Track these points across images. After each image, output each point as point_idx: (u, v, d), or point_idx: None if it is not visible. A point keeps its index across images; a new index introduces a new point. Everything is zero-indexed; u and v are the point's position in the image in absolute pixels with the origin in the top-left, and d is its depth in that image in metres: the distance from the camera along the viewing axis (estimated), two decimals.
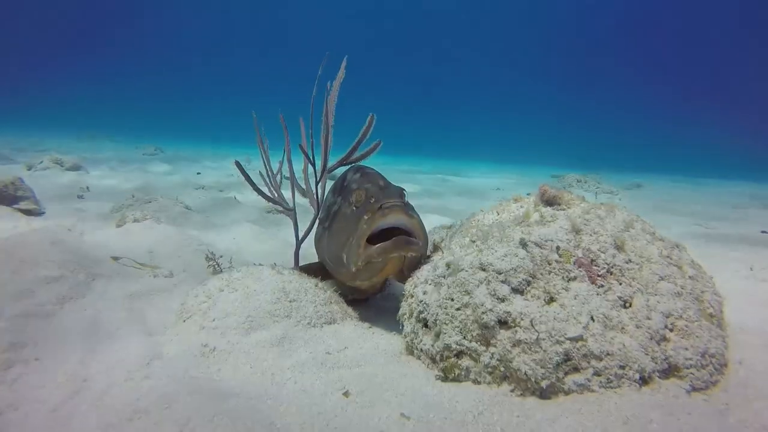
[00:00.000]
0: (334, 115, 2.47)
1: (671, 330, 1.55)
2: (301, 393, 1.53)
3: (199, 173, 9.74)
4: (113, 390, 1.49)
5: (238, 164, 2.42)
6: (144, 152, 13.43)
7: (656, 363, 1.47)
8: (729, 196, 10.70)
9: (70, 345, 1.93)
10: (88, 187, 6.79)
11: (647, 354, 1.47)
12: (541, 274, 1.62)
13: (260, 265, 2.53)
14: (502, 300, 1.57)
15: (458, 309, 1.63)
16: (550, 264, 1.64)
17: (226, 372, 1.73)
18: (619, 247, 1.72)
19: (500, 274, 1.62)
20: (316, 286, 2.31)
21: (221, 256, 3.31)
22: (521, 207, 2.16)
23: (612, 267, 1.66)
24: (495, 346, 1.53)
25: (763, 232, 5.91)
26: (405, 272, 2.21)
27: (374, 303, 2.82)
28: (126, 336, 2.00)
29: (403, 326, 1.94)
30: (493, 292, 1.59)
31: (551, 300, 1.56)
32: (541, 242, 1.70)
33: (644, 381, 1.45)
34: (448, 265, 1.79)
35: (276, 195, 2.67)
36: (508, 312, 1.54)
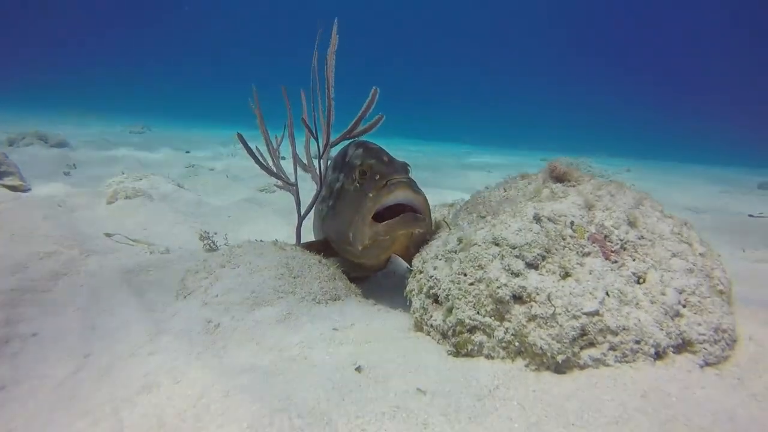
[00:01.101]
0: (333, 87, 2.40)
1: (684, 306, 1.55)
2: (313, 368, 1.50)
3: (188, 152, 9.56)
4: (118, 365, 1.45)
5: (240, 137, 2.34)
6: (132, 130, 13.13)
7: (671, 338, 1.46)
8: (715, 181, 10.84)
9: (67, 321, 1.88)
10: (75, 164, 6.62)
11: (662, 329, 1.46)
12: (556, 249, 1.59)
13: (261, 241, 2.48)
14: (517, 275, 1.55)
15: (471, 284, 1.61)
16: (564, 239, 1.62)
17: (231, 348, 1.69)
18: (632, 224, 1.71)
19: (514, 248, 1.60)
20: (319, 262, 2.28)
21: (216, 233, 3.24)
22: (529, 184, 2.13)
23: (625, 243, 1.64)
24: (510, 321, 1.51)
25: (750, 215, 6.01)
26: (411, 249, 2.18)
27: (375, 280, 2.80)
28: (126, 312, 1.95)
29: (410, 302, 1.91)
30: (507, 267, 1.57)
31: (566, 275, 1.54)
32: (554, 217, 1.68)
33: (659, 356, 1.44)
34: (459, 240, 1.76)
35: (277, 170, 2.60)
36: (523, 287, 1.52)
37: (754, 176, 12.38)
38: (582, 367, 1.44)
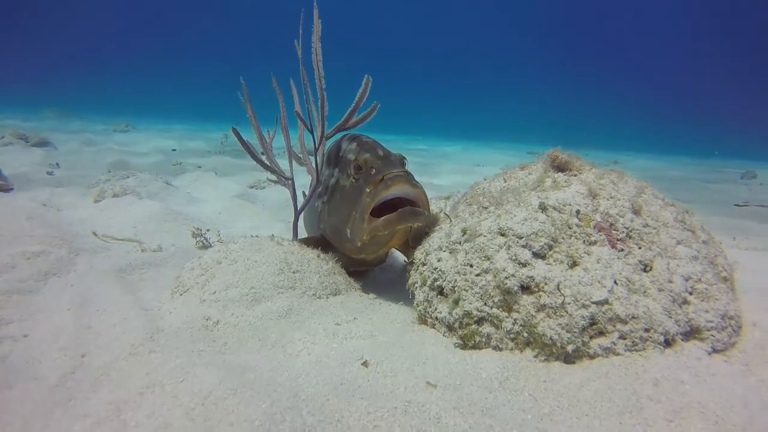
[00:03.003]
0: (323, 77, 2.34)
1: (691, 293, 1.54)
2: (318, 364, 1.47)
3: (174, 149, 9.40)
4: (117, 365, 1.39)
5: (235, 131, 2.28)
6: (115, 128, 12.87)
7: (679, 325, 1.45)
8: (700, 171, 11.01)
9: (59, 321, 1.81)
10: (57, 163, 6.46)
11: (671, 317, 1.45)
12: (563, 238, 1.58)
13: (257, 236, 2.43)
14: (524, 265, 1.53)
15: (478, 275, 1.58)
16: (570, 228, 1.60)
17: (232, 345, 1.64)
18: (637, 212, 1.70)
19: (521, 238, 1.58)
20: (318, 257, 2.23)
21: (208, 230, 3.18)
22: (529, 174, 2.11)
23: (631, 231, 1.63)
24: (518, 312, 1.49)
25: (736, 205, 6.10)
26: (410, 242, 2.15)
27: (372, 274, 2.76)
28: (121, 311, 1.88)
29: (413, 295, 1.89)
30: (514, 257, 1.55)
31: (574, 264, 1.53)
32: (559, 206, 1.66)
33: (668, 343, 1.44)
34: (464, 231, 1.73)
35: (272, 164, 2.54)
36: (531, 277, 1.50)
37: (737, 167, 12.63)
38: (592, 357, 1.42)
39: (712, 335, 1.47)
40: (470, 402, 1.26)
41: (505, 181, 2.15)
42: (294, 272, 2.06)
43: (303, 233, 3.08)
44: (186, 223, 3.46)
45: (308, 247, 2.33)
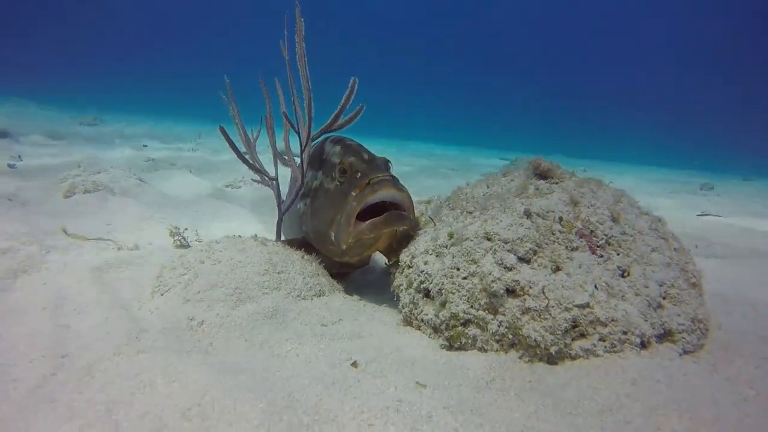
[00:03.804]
0: (309, 79, 2.34)
1: (664, 298, 1.63)
2: (308, 365, 1.48)
3: (145, 146, 9.15)
4: (102, 365, 1.36)
5: (222, 130, 2.26)
6: (81, 122, 12.40)
7: (654, 328, 1.53)
8: (662, 182, 11.48)
9: (35, 321, 1.75)
10: (20, 156, 6.19)
11: (646, 320, 1.53)
12: (546, 243, 1.64)
13: (239, 236, 2.41)
14: (510, 269, 1.58)
15: (465, 278, 1.62)
16: (553, 234, 1.66)
17: (218, 345, 1.63)
18: (615, 219, 1.78)
19: (506, 243, 1.63)
20: (302, 258, 2.24)
21: (186, 229, 3.12)
22: (512, 180, 2.17)
23: (610, 238, 1.71)
24: (503, 315, 1.54)
25: (698, 215, 6.40)
26: (394, 246, 2.18)
27: (353, 276, 2.78)
28: (100, 311, 1.84)
29: (398, 297, 1.92)
30: (500, 261, 1.60)
31: (557, 269, 1.59)
32: (543, 213, 1.72)
33: (643, 345, 1.51)
34: (450, 235, 1.77)
35: (257, 164, 2.53)
36: (516, 281, 1.55)
37: (696, 178, 13.21)
38: (573, 358, 1.49)
39: (683, 337, 1.56)
40: (459, 401, 1.30)
41: (488, 187, 2.21)
42: (279, 273, 2.06)
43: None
44: (162, 222, 3.39)
45: (291, 248, 2.33)
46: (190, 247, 3.02)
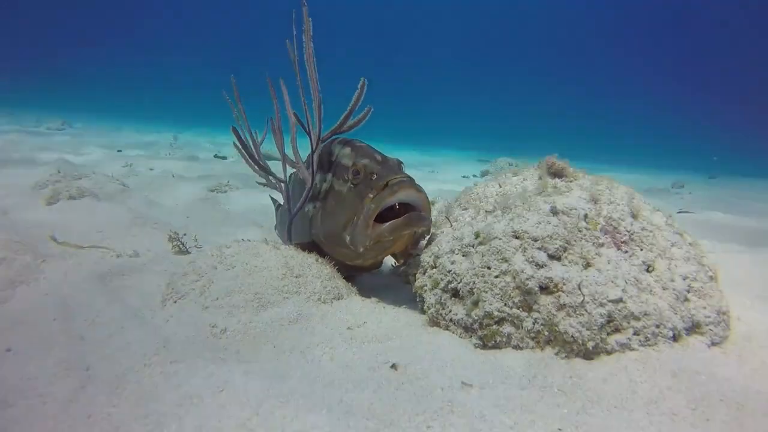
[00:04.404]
0: (317, 80, 2.31)
1: (689, 291, 1.66)
2: (346, 369, 1.44)
3: (120, 150, 8.87)
4: (133, 377, 1.30)
5: (235, 131, 2.20)
6: (49, 126, 11.93)
7: (684, 321, 1.57)
8: (635, 182, 11.85)
9: (46, 333, 1.66)
10: None
11: (676, 313, 1.56)
12: (575, 240, 1.65)
13: (248, 240, 2.35)
14: (541, 266, 1.59)
15: (497, 276, 1.62)
16: (580, 231, 1.68)
17: (246, 353, 1.58)
18: (635, 216, 1.81)
19: (536, 241, 1.64)
20: (317, 260, 2.19)
21: (185, 234, 3.03)
22: (524, 180, 2.19)
23: (632, 234, 1.74)
24: (538, 312, 1.55)
25: (678, 212, 6.63)
26: (410, 248, 2.16)
27: (360, 280, 2.75)
28: (113, 320, 1.76)
29: (422, 298, 1.90)
30: (531, 259, 1.60)
31: (588, 265, 1.60)
32: (567, 210, 1.74)
33: (675, 338, 1.54)
34: (477, 235, 1.77)
35: (266, 167, 2.47)
36: (549, 277, 1.56)
37: (665, 177, 13.68)
38: (609, 352, 1.50)
39: (710, 329, 1.60)
40: (507, 399, 1.29)
41: (500, 186, 2.21)
42: (297, 277, 2.02)
43: (276, 239, 3.01)
44: (156, 228, 3.28)
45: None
46: (189, 252, 2.94)
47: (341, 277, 2.25)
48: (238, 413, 1.07)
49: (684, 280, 1.66)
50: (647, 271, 1.67)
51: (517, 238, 1.67)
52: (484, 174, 10.17)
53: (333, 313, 1.90)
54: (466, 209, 2.15)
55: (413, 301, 2.11)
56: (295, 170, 2.53)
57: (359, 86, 2.26)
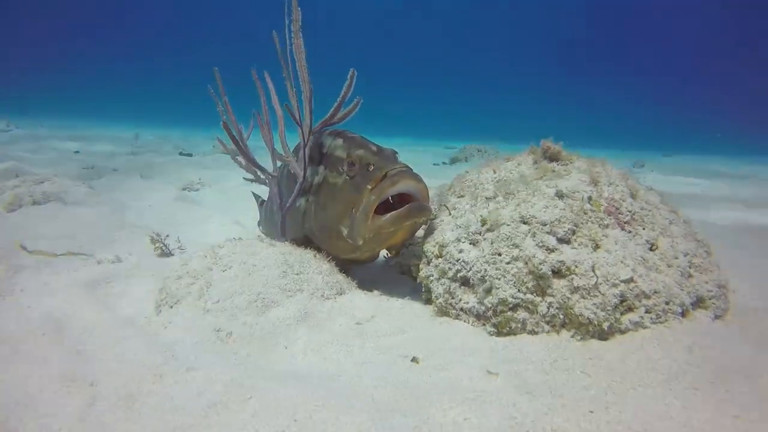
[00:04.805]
0: (307, 69, 2.23)
1: (690, 267, 1.71)
2: (366, 365, 1.41)
3: (77, 152, 8.42)
4: (144, 388, 1.22)
5: (226, 126, 2.10)
6: None
7: (690, 297, 1.61)
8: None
9: (38, 349, 1.55)
10: None
11: (682, 289, 1.60)
12: (582, 223, 1.66)
13: (240, 239, 2.26)
14: (552, 250, 1.59)
15: (509, 263, 1.62)
16: (585, 213, 1.69)
17: (257, 356, 1.52)
18: (634, 196, 1.84)
19: (545, 225, 1.64)
20: (314, 256, 2.14)
21: (168, 236, 2.90)
22: (518, 164, 2.18)
23: (634, 214, 1.77)
24: (552, 296, 1.55)
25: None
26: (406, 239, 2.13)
27: (355, 272, 2.70)
28: (107, 331, 1.65)
29: (428, 288, 1.88)
30: (541, 243, 1.61)
31: (597, 247, 1.62)
32: (571, 193, 1.75)
33: (683, 314, 1.58)
34: (484, 222, 1.76)
35: (254, 162, 2.38)
36: (561, 261, 1.56)
37: (626, 158, 14.16)
38: (623, 332, 1.53)
39: (713, 303, 1.65)
40: (535, 385, 1.29)
41: (495, 172, 2.20)
42: (297, 274, 1.96)
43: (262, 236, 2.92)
44: (135, 231, 3.13)
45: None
46: (173, 255, 2.81)
47: (339, 271, 2.20)
48: (273, 420, 1.02)
49: (685, 256, 1.71)
50: (650, 249, 1.70)
51: (525, 223, 1.67)
52: (454, 161, 10.19)
53: (338, 310, 1.86)
54: (462, 196, 2.13)
55: (415, 292, 2.09)
56: (282, 164, 2.45)
57: (349, 77, 2.20)
